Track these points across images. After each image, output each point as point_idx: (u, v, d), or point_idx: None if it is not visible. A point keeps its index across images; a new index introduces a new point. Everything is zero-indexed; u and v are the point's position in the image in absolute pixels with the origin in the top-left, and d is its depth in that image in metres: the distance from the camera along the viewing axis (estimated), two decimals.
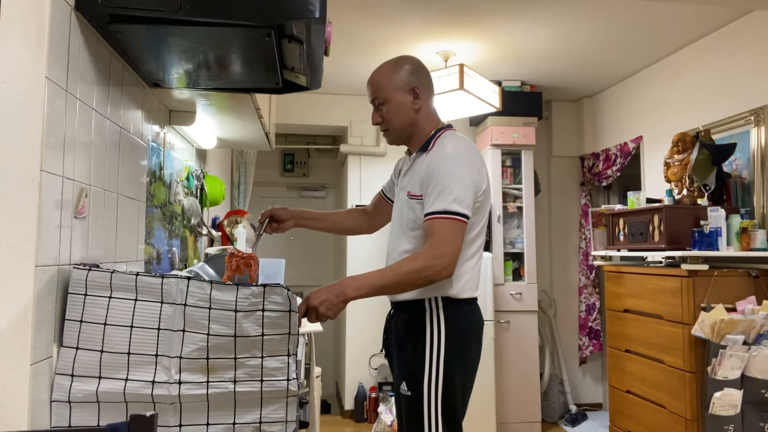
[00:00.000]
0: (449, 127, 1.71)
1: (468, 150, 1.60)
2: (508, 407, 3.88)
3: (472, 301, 1.64)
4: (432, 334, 1.56)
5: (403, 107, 1.65)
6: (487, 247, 3.96)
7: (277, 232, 1.86)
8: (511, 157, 4.18)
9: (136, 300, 1.20)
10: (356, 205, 1.95)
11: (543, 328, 4.37)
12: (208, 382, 1.21)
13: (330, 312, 1.38)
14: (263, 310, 1.23)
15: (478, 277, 1.66)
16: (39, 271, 1.07)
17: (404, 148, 1.77)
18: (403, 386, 1.59)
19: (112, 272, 1.19)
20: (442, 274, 1.47)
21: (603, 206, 3.64)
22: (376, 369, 4.31)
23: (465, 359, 1.60)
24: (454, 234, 1.49)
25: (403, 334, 1.63)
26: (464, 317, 1.61)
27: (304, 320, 1.40)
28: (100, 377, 1.17)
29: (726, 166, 2.93)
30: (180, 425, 1.21)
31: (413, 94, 1.65)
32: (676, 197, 2.98)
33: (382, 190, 1.94)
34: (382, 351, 1.80)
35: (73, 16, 1.18)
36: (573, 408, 4.25)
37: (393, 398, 1.91)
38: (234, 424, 1.24)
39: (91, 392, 1.16)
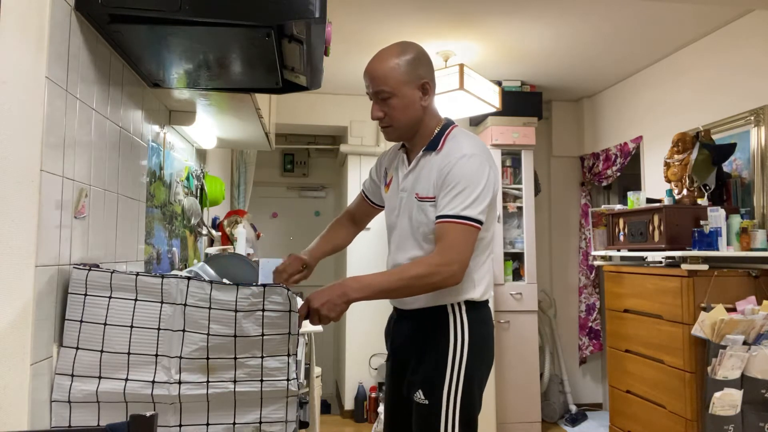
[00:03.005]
0: (453, 123, 1.62)
1: (484, 150, 1.53)
2: (508, 407, 3.88)
3: (487, 304, 1.60)
4: (456, 340, 1.50)
5: (411, 103, 1.53)
6: None
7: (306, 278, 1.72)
8: (511, 157, 4.17)
9: (136, 300, 1.20)
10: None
11: (543, 328, 4.37)
12: (208, 382, 1.21)
13: (332, 313, 1.33)
14: (263, 310, 1.23)
15: (493, 276, 1.63)
16: (39, 271, 1.07)
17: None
18: (419, 394, 1.51)
19: (112, 272, 1.19)
20: (448, 281, 1.40)
21: (603, 206, 3.64)
22: (376, 369, 4.30)
23: (484, 363, 1.56)
24: (466, 241, 1.42)
25: (422, 342, 1.55)
26: (484, 321, 1.56)
27: (305, 320, 1.38)
28: (100, 377, 1.17)
29: (726, 166, 2.93)
30: (180, 425, 1.21)
31: (422, 90, 1.53)
32: (676, 197, 2.97)
33: (363, 192, 1.84)
34: (387, 361, 1.71)
35: (73, 16, 1.18)
36: (573, 408, 4.25)
37: (383, 403, 1.81)
38: (234, 424, 1.24)
39: (91, 392, 1.16)
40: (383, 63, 1.53)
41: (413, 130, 1.59)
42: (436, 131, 1.58)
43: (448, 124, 1.61)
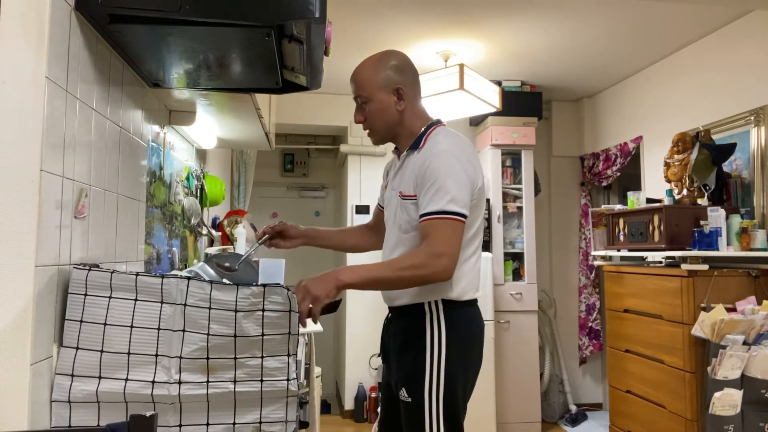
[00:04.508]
0: (439, 122, 1.65)
1: (463, 146, 1.55)
2: (508, 407, 3.88)
3: (473, 303, 1.60)
4: (432, 338, 1.52)
5: (386, 108, 1.59)
6: (487, 247, 3.96)
7: (280, 247, 1.78)
8: (511, 157, 4.17)
9: (136, 300, 1.20)
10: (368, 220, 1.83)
11: (543, 328, 4.37)
12: (208, 382, 1.21)
13: (320, 292, 1.32)
14: (263, 310, 1.23)
15: (479, 277, 1.61)
16: (39, 271, 1.07)
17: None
18: (403, 392, 1.54)
19: (112, 272, 1.19)
20: (440, 275, 1.42)
21: (603, 206, 3.65)
22: (376, 369, 4.30)
23: (467, 363, 1.56)
24: (453, 235, 1.44)
25: (402, 340, 1.58)
26: (465, 320, 1.57)
27: (307, 321, 1.38)
28: (100, 377, 1.17)
29: (726, 166, 2.93)
30: (180, 425, 1.21)
31: (397, 95, 1.59)
32: (676, 197, 2.98)
33: (378, 203, 1.88)
34: (379, 355, 1.75)
35: (73, 16, 1.18)
36: (573, 408, 4.25)
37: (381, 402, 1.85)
38: (234, 424, 1.24)
39: (91, 392, 1.16)
40: (362, 70, 1.62)
41: (392, 133, 1.65)
42: (421, 131, 1.62)
43: (433, 124, 1.64)
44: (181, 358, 1.20)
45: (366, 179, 4.42)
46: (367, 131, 1.66)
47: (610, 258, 3.46)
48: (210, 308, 1.21)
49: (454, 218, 1.44)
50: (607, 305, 3.26)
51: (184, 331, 1.20)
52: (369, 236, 1.91)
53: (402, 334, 1.59)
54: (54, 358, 1.15)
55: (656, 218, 2.83)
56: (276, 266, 1.94)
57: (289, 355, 1.25)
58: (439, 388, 1.50)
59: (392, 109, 1.59)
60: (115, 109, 1.46)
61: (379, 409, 3.95)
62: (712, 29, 3.16)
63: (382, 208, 1.85)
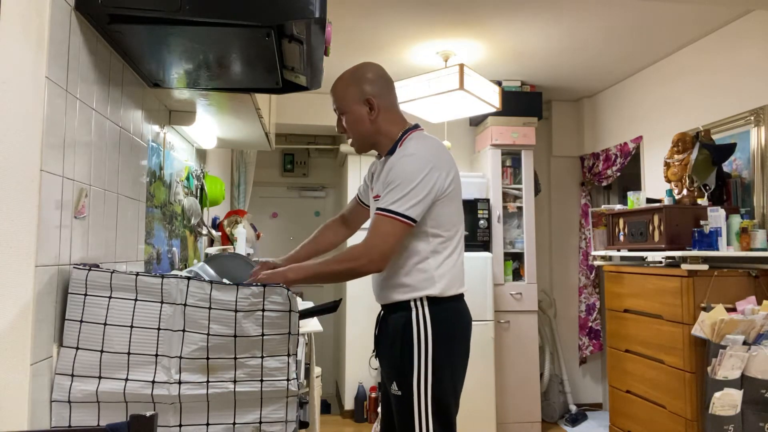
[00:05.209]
0: (416, 127, 1.72)
1: (428, 150, 1.61)
2: (508, 407, 3.88)
3: (458, 298, 1.67)
4: (419, 333, 1.59)
5: (360, 119, 1.68)
6: (487, 247, 3.96)
7: None
8: (511, 157, 4.17)
9: (136, 300, 1.20)
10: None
11: (543, 328, 4.37)
12: (208, 382, 1.21)
13: None
14: (263, 310, 1.23)
15: (462, 272, 1.69)
16: (39, 271, 1.07)
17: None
18: (394, 386, 1.62)
19: (112, 272, 1.19)
20: (368, 267, 1.52)
21: (603, 206, 3.64)
22: (376, 369, 4.30)
23: (453, 357, 1.62)
24: (389, 232, 1.52)
25: (391, 335, 1.65)
26: (450, 315, 1.64)
27: (305, 320, 1.42)
28: (100, 377, 1.17)
29: (726, 166, 2.93)
30: (180, 425, 1.22)
31: (368, 105, 1.67)
32: (676, 197, 2.98)
33: (357, 194, 1.97)
34: (374, 352, 1.81)
35: (73, 16, 1.18)
36: (573, 408, 4.25)
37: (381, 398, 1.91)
38: (234, 424, 1.24)
39: (91, 392, 1.16)
40: (337, 84, 1.71)
41: (370, 141, 1.73)
42: (398, 137, 1.70)
43: (409, 129, 1.71)
44: (181, 358, 1.20)
45: None
46: (349, 141, 1.75)
47: (610, 258, 3.46)
48: (210, 308, 1.21)
49: (394, 217, 1.53)
50: (607, 305, 3.26)
51: (184, 331, 1.20)
52: (342, 231, 1.98)
53: (391, 330, 1.66)
54: (54, 358, 1.15)
55: (656, 218, 2.83)
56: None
57: (289, 355, 1.26)
58: (426, 381, 1.56)
59: (365, 119, 1.68)
60: (115, 109, 1.46)
61: (379, 409, 3.96)
62: (712, 29, 3.16)
63: (361, 201, 1.96)
